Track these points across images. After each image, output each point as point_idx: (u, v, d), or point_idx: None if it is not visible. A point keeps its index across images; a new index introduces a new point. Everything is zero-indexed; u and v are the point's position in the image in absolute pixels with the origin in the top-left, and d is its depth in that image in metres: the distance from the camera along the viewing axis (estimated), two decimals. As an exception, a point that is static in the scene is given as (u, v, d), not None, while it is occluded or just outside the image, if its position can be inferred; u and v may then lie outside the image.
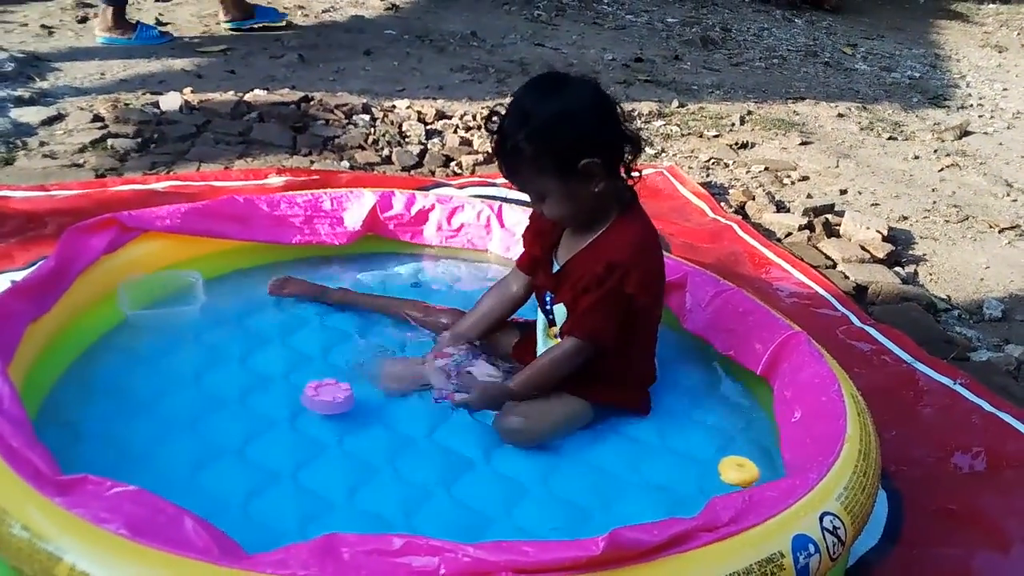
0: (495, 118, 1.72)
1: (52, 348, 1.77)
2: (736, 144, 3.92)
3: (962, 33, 6.97)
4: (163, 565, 1.13)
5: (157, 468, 1.58)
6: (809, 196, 3.46)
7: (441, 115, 3.76)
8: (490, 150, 3.37)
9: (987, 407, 2.10)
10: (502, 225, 2.41)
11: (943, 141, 4.33)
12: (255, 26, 4.61)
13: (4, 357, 1.48)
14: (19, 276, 2.05)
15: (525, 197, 1.80)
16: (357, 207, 2.35)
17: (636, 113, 4.04)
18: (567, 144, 1.63)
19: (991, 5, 7.89)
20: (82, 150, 3.05)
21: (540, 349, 1.88)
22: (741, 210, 3.26)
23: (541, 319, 1.88)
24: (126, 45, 4.14)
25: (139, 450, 1.62)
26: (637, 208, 1.78)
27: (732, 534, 1.28)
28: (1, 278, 2.12)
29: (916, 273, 2.94)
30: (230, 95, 3.66)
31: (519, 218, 2.34)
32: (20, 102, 3.36)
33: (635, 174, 1.78)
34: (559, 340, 1.81)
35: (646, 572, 1.21)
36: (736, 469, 1.69)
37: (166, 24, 4.63)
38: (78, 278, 1.84)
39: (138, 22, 4.28)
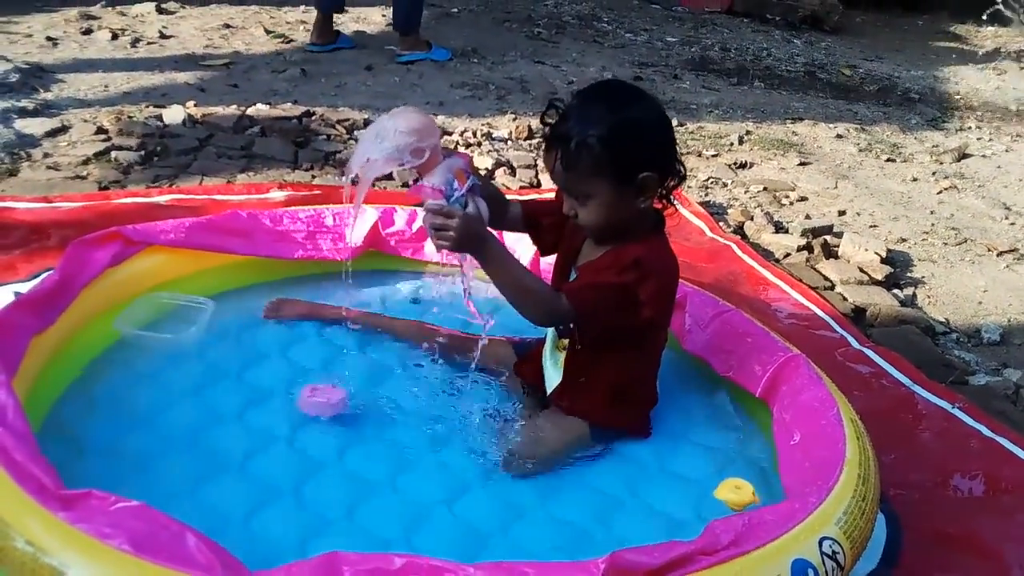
0: (552, 111, 1.69)
1: (55, 361, 1.78)
2: (735, 164, 3.95)
3: (960, 55, 7.02)
4: (166, 582, 1.13)
5: (158, 483, 1.58)
6: (808, 217, 3.47)
7: (441, 131, 3.78)
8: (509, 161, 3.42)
9: (985, 432, 2.11)
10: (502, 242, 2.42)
11: (941, 163, 4.36)
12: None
13: (8, 370, 1.48)
14: (22, 287, 2.06)
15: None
16: (359, 223, 2.36)
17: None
18: (636, 153, 1.63)
19: (989, 28, 7.94)
20: (85, 162, 3.06)
21: (547, 362, 1.88)
22: (739, 230, 3.28)
23: (551, 331, 1.88)
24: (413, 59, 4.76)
25: (141, 464, 1.63)
26: (663, 234, 1.78)
27: (732, 557, 1.28)
28: (4, 289, 2.13)
29: (915, 296, 2.95)
30: (232, 109, 3.68)
31: (519, 235, 2.34)
32: (24, 113, 3.38)
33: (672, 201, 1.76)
34: (567, 351, 1.81)
35: (646, 594, 1.21)
36: (732, 491, 1.69)
37: (169, 37, 4.65)
38: (82, 292, 1.85)
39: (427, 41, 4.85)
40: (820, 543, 1.36)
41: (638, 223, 1.72)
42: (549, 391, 1.86)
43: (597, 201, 1.66)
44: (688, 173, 1.81)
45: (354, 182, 1.72)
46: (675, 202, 1.78)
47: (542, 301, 1.70)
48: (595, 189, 1.65)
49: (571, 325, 1.79)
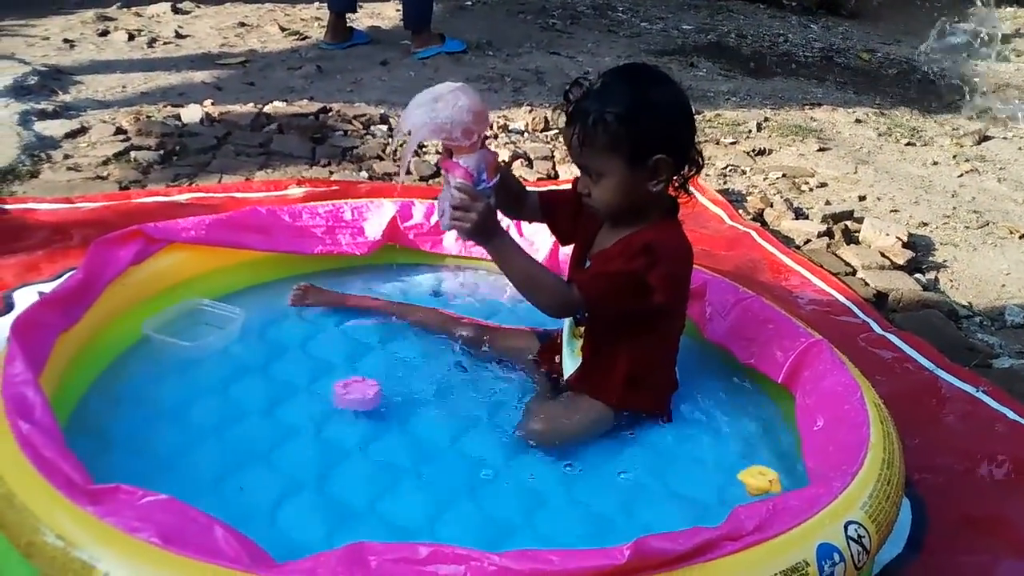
0: (575, 89, 1.71)
1: (81, 358, 1.79)
2: (753, 151, 3.93)
3: (978, 37, 6.93)
4: (194, 573, 1.14)
5: (184, 476, 1.59)
6: (827, 203, 3.45)
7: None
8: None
9: (1011, 415, 2.09)
10: (520, 234, 2.42)
11: (962, 146, 4.31)
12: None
13: (36, 368, 1.49)
14: (46, 287, 2.08)
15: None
16: (377, 217, 2.37)
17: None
18: (652, 134, 1.63)
19: (1008, 8, 7.84)
20: (105, 162, 3.09)
21: (566, 349, 1.88)
22: (759, 217, 3.26)
23: (568, 318, 1.88)
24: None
25: (166, 459, 1.64)
26: (677, 220, 1.78)
27: (757, 543, 1.28)
28: (29, 289, 2.16)
29: (937, 280, 2.93)
30: (250, 107, 3.70)
31: (537, 227, 2.35)
32: (44, 115, 3.41)
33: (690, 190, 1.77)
34: (584, 338, 1.82)
35: (671, 581, 1.21)
36: (755, 475, 1.69)
37: (185, 37, 4.68)
38: (106, 289, 1.86)
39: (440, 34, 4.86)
40: (845, 527, 1.35)
41: (651, 207, 1.72)
42: (567, 377, 1.87)
43: (610, 180, 1.67)
44: (706, 161, 1.81)
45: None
46: (692, 190, 1.77)
47: (553, 292, 1.71)
48: (609, 167, 1.66)
49: (585, 314, 1.79)
